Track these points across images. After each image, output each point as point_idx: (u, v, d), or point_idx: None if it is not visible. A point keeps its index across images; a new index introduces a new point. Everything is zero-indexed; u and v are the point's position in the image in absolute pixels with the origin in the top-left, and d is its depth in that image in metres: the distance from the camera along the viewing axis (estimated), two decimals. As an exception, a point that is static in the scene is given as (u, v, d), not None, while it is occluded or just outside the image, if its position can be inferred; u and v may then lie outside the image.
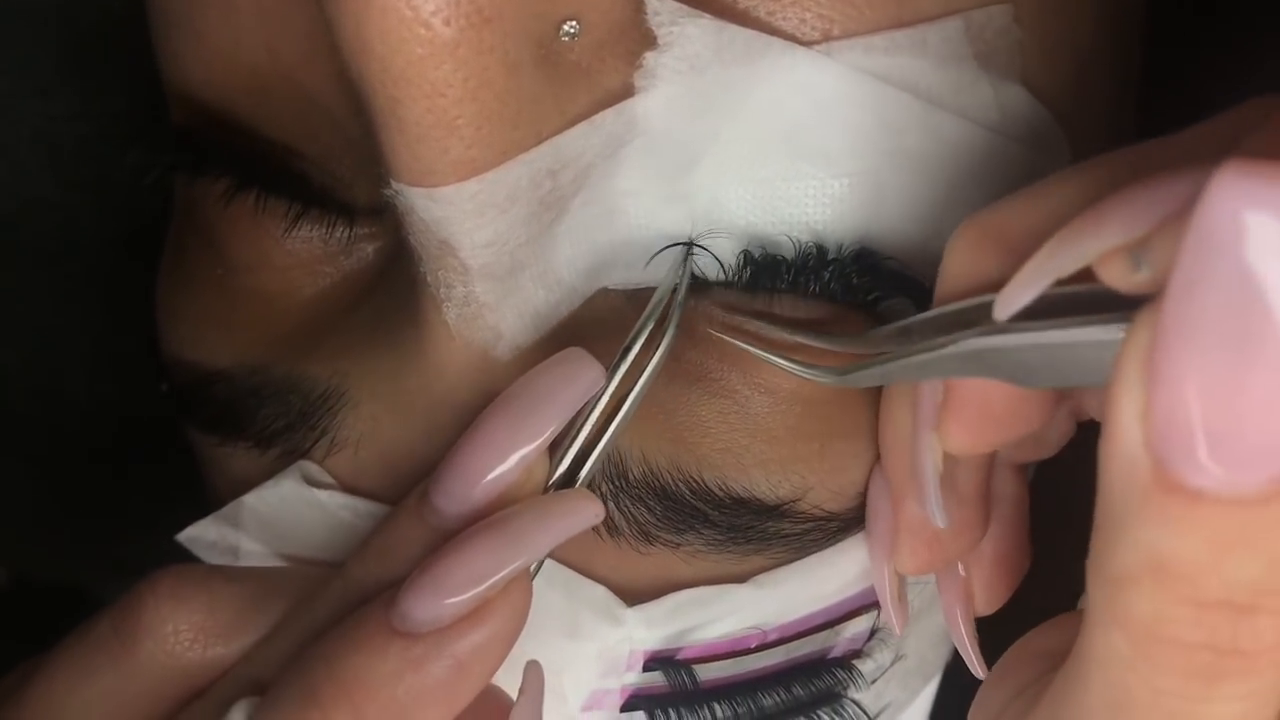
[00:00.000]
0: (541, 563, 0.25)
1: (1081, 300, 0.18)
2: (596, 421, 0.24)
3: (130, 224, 0.35)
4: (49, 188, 0.35)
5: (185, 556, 0.29)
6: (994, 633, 0.29)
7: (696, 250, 0.25)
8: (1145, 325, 0.15)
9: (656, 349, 0.24)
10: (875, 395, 0.26)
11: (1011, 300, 0.18)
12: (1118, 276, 0.17)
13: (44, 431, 0.39)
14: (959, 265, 0.21)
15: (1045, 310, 0.18)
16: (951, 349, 0.20)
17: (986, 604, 0.27)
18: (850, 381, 0.24)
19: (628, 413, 0.24)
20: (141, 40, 0.29)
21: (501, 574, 0.22)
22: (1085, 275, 0.17)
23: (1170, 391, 0.15)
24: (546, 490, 0.24)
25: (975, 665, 0.28)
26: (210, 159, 0.27)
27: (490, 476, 0.23)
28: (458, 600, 0.22)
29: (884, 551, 0.26)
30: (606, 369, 0.24)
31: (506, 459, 0.23)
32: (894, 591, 0.27)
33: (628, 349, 0.24)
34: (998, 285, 0.19)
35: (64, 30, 0.35)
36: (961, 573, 0.27)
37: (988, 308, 0.19)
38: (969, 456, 0.24)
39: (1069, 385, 0.19)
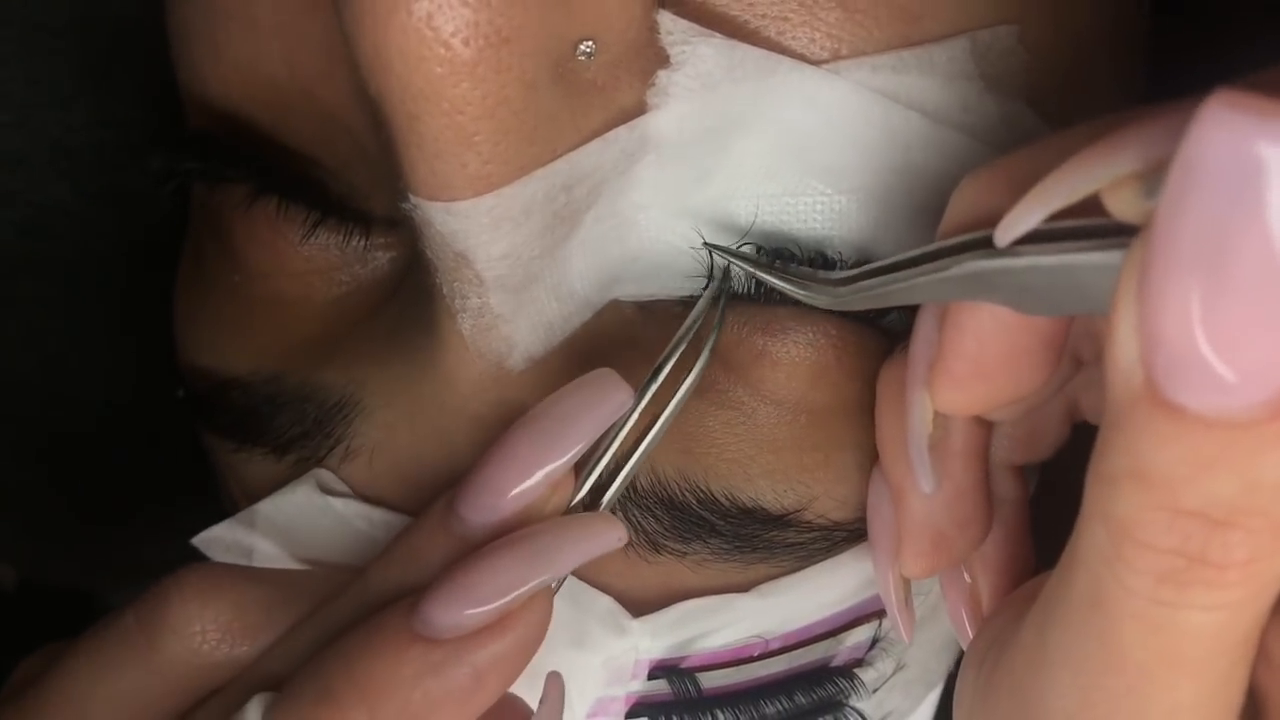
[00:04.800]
0: (563, 581, 0.25)
1: (1081, 231, 0.18)
2: (624, 441, 0.25)
3: (147, 231, 0.36)
4: (66, 196, 0.36)
5: (195, 558, 0.29)
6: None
7: (705, 258, 0.25)
8: (1142, 243, 0.16)
9: (689, 373, 0.25)
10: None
11: (1017, 222, 0.18)
12: (1127, 204, 0.17)
13: (59, 436, 0.39)
14: (963, 203, 0.21)
15: (1052, 237, 0.19)
16: (954, 270, 0.20)
17: (994, 609, 0.27)
18: (847, 303, 0.23)
19: (657, 435, 0.25)
20: (158, 49, 0.29)
21: (525, 588, 0.23)
22: (1084, 213, 0.18)
23: (1158, 309, 0.15)
24: (571, 508, 0.24)
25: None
26: (231, 165, 0.27)
27: (516, 491, 0.23)
28: (481, 610, 0.22)
29: (888, 556, 0.26)
30: (633, 388, 0.24)
31: (533, 475, 0.23)
32: (900, 597, 0.27)
33: (659, 369, 0.25)
34: (1000, 220, 0.19)
35: (81, 41, 0.35)
36: (967, 578, 0.27)
37: (989, 240, 0.19)
38: (964, 440, 0.24)
39: (1067, 313, 0.19)
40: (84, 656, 0.25)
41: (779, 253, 0.25)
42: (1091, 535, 0.18)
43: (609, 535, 0.24)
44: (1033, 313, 0.20)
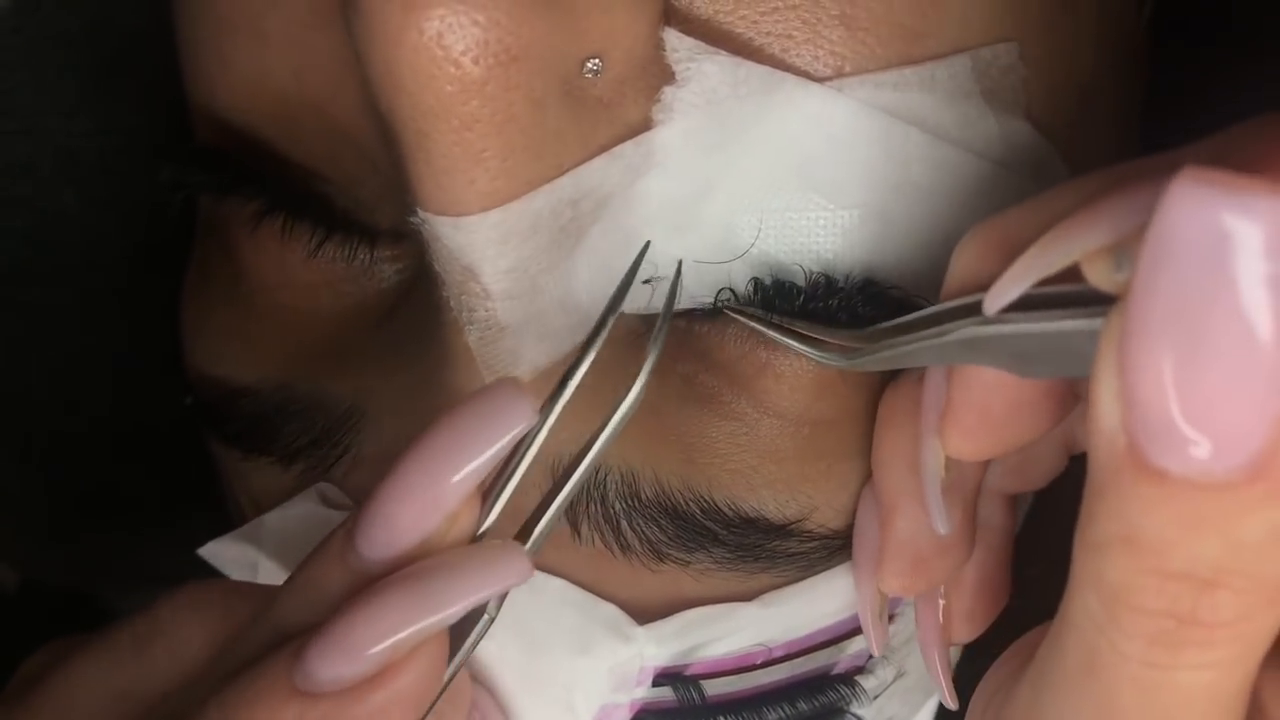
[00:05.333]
0: (494, 617, 0.23)
1: (1067, 299, 0.19)
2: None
3: (153, 238, 0.36)
4: (73, 203, 0.36)
5: (199, 567, 0.29)
6: (971, 667, 0.30)
7: (715, 279, 0.25)
8: (1119, 314, 0.16)
9: (628, 395, 0.23)
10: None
11: (1000, 294, 0.19)
12: (1100, 276, 0.18)
13: (63, 440, 0.40)
14: (963, 267, 0.22)
15: (1041, 304, 0.19)
16: (952, 336, 0.21)
17: (964, 632, 0.28)
18: (858, 365, 0.24)
19: (595, 457, 0.23)
20: (164, 58, 0.29)
21: (409, 633, 0.21)
22: (1078, 276, 0.18)
23: (1137, 378, 0.15)
24: (478, 536, 0.23)
25: (946, 693, 0.28)
26: (237, 181, 0.27)
27: (409, 523, 0.21)
28: (361, 663, 0.21)
29: (868, 570, 0.27)
30: (547, 402, 0.23)
31: (426, 504, 0.21)
32: (875, 611, 0.28)
33: (565, 381, 0.23)
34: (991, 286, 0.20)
35: (88, 50, 0.35)
36: (941, 600, 0.27)
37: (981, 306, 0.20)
38: (962, 475, 0.25)
39: (1061, 375, 0.20)
40: (78, 662, 0.25)
41: (782, 288, 0.25)
42: (1083, 602, 0.18)
43: (508, 570, 0.22)
44: (1028, 375, 0.20)
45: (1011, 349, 0.20)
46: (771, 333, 0.25)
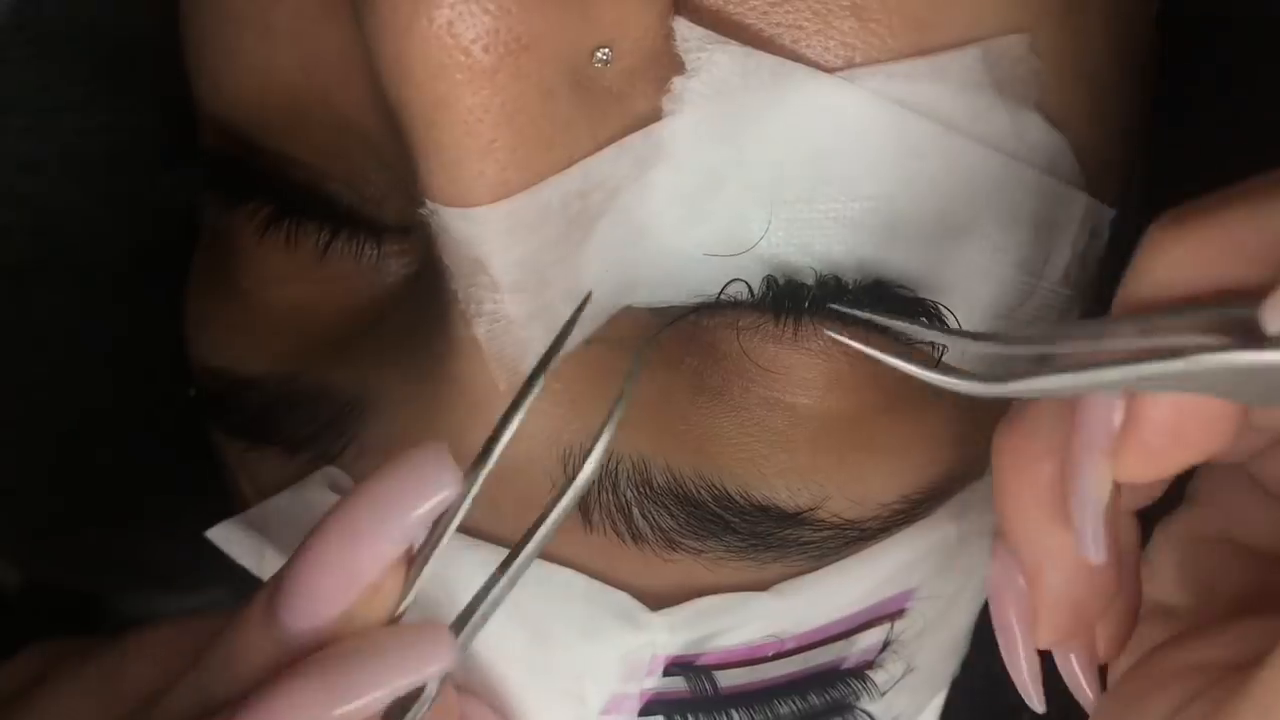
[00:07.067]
0: (434, 695, 0.22)
1: None
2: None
3: (158, 234, 0.36)
4: (78, 199, 0.36)
5: (200, 564, 0.29)
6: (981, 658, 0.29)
7: (724, 273, 0.25)
8: None
9: (558, 504, 0.22)
10: (895, 410, 0.26)
11: None
12: None
13: (65, 437, 0.40)
14: (1173, 268, 0.18)
15: None
16: (1182, 363, 0.17)
17: (1110, 653, 0.25)
18: (1011, 391, 0.20)
19: (532, 553, 0.22)
20: (170, 56, 0.29)
21: None
22: None
23: None
24: (399, 613, 0.22)
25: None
26: (243, 186, 0.27)
27: (329, 594, 0.21)
28: None
29: (1019, 631, 0.25)
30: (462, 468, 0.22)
31: (345, 576, 0.21)
32: (1034, 672, 0.26)
33: (488, 449, 0.22)
34: (1229, 295, 0.17)
35: (93, 46, 0.35)
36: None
37: (1229, 319, 0.17)
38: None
39: None
40: (49, 699, 0.25)
41: (793, 287, 0.24)
42: None
43: (429, 657, 0.21)
44: (1258, 404, 0.17)
45: (1271, 381, 0.16)
46: (892, 359, 0.22)
